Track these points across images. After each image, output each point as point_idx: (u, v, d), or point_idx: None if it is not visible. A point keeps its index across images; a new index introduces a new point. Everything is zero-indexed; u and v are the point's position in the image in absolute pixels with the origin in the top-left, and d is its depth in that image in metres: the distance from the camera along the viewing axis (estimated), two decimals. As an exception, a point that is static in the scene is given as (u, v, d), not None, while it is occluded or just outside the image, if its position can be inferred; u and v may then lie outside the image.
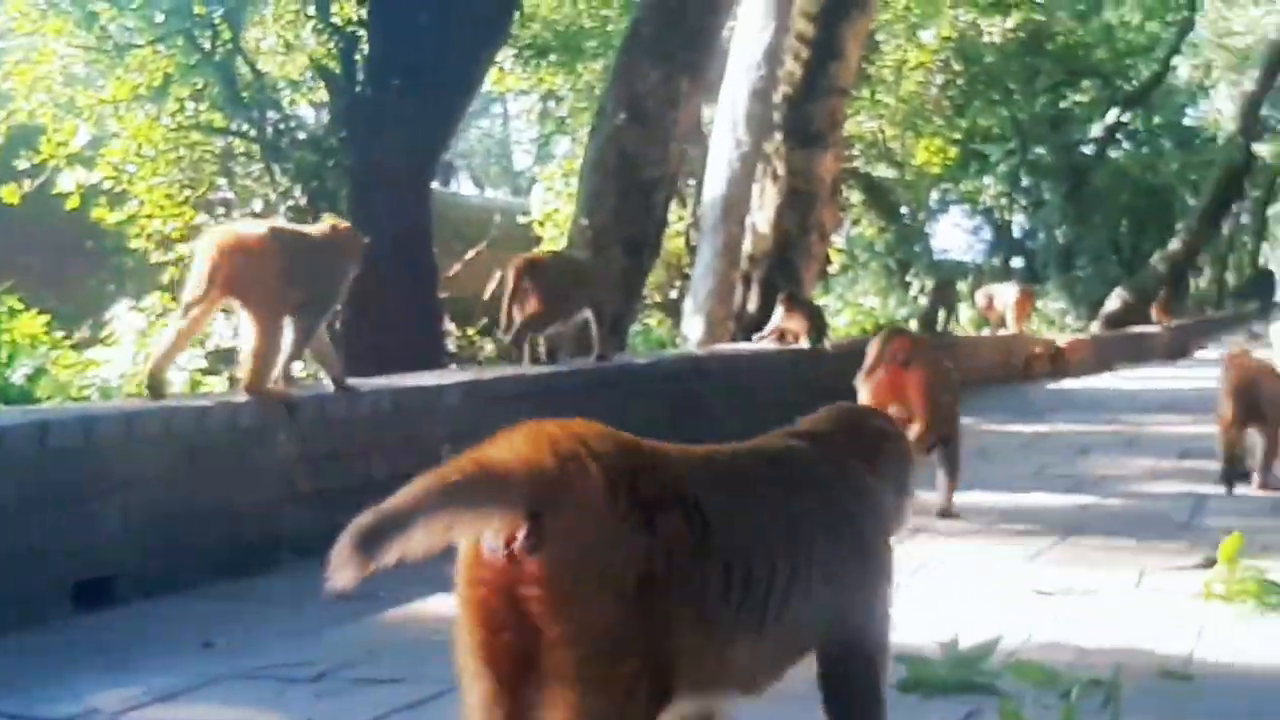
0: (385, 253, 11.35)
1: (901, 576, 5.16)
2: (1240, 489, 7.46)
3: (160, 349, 6.13)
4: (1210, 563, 5.09)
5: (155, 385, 5.92)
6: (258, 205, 15.05)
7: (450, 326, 15.22)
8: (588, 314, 8.82)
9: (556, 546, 2.24)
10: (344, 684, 3.96)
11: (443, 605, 4.90)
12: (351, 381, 6.45)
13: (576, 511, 2.28)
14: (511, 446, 2.37)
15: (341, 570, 2.25)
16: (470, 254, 21.85)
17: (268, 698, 3.87)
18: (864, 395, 6.60)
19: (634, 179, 12.92)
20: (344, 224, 6.59)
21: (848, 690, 2.71)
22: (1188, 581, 5.00)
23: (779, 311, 11.38)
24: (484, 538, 2.32)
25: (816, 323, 11.52)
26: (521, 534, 2.25)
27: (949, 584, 5.08)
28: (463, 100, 13.19)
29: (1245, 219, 56.21)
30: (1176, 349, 27.00)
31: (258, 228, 6.10)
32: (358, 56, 13.22)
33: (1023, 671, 3.69)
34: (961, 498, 7.25)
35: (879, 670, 2.75)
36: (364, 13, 13.08)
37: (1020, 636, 4.22)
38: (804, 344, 11.36)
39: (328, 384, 6.37)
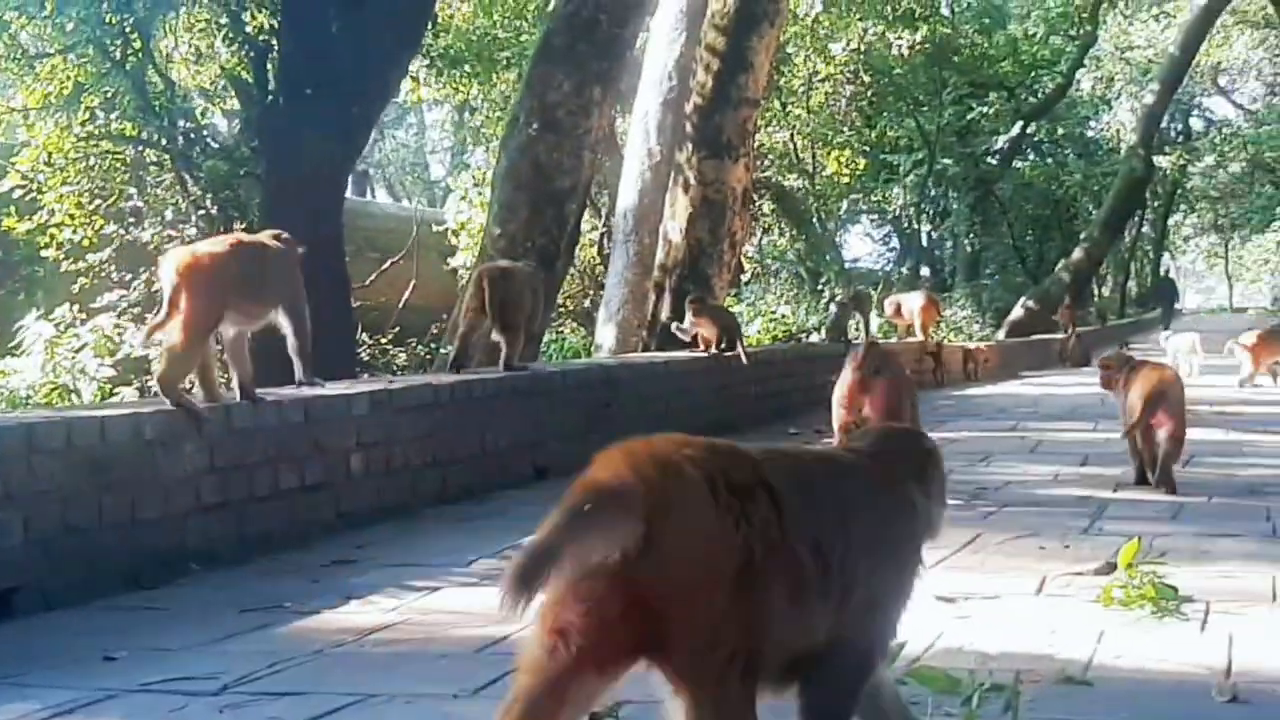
0: (295, 261, 11.31)
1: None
2: (1137, 493, 7.65)
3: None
4: (1110, 568, 5.18)
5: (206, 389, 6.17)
6: (168, 214, 14.95)
7: (363, 336, 15.17)
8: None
9: (672, 542, 2.46)
10: (247, 697, 3.94)
11: (347, 616, 4.92)
12: (260, 391, 6.41)
13: (685, 509, 2.50)
14: (614, 467, 2.56)
15: (511, 609, 2.41)
16: (386, 265, 21.82)
17: (168, 712, 3.83)
18: (837, 397, 7.68)
19: (546, 189, 12.93)
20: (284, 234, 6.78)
21: (836, 681, 2.86)
22: (1088, 587, 5.08)
23: (688, 316, 11.42)
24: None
25: (728, 330, 11.57)
26: (638, 537, 2.46)
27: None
28: (375, 110, 13.15)
29: (1146, 228, 57.12)
30: (1080, 356, 27.34)
31: (217, 244, 6.34)
32: (270, 66, 13.16)
33: (924, 678, 3.73)
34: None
35: (869, 671, 2.92)
36: (276, 22, 13.01)
37: (923, 643, 4.27)
38: (714, 350, 11.41)
39: (234, 393, 6.34)
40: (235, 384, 6.36)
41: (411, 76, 21.04)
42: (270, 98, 12.95)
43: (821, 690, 2.82)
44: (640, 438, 2.64)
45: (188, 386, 6.25)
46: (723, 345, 11.43)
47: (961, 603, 4.90)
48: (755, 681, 2.59)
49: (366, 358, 14.07)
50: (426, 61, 18.87)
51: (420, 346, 15.19)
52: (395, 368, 15.17)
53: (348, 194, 14.54)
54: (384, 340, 15.69)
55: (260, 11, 13.87)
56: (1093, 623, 4.55)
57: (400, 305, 20.13)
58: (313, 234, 11.62)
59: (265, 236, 6.79)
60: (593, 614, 2.50)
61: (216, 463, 5.97)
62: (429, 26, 14.99)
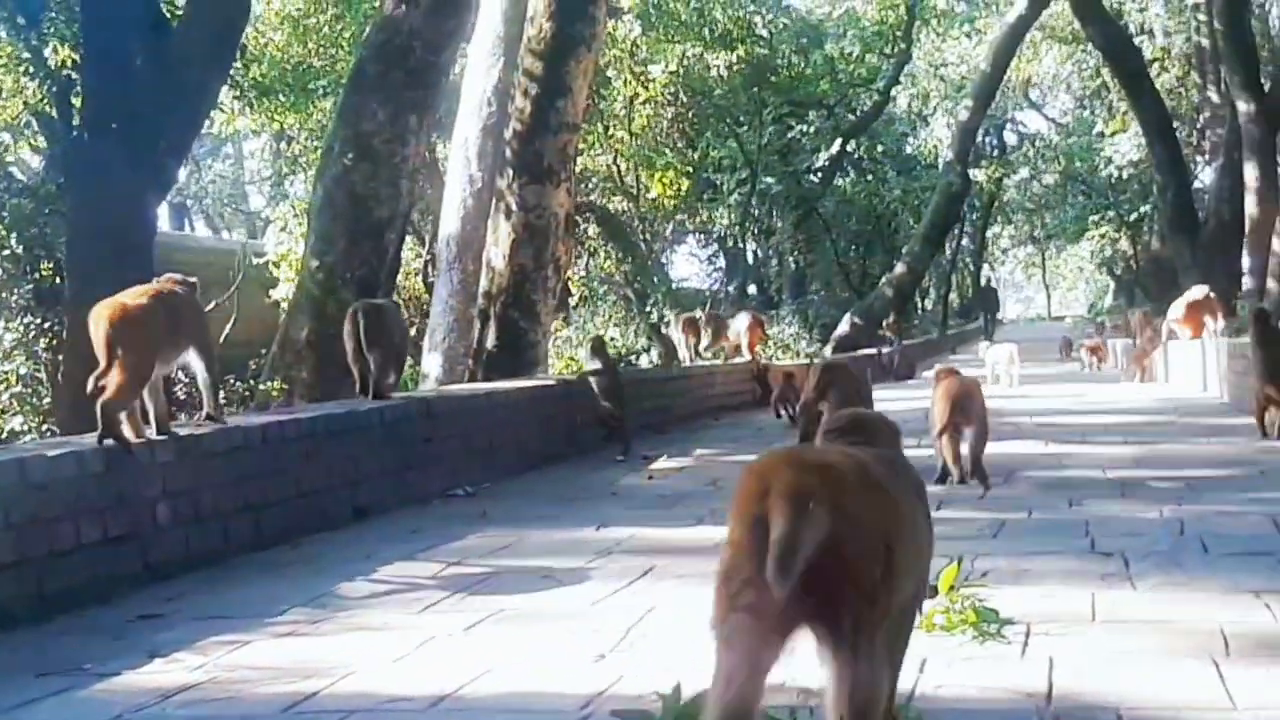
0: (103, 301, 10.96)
1: (630, 620, 5.15)
2: (958, 511, 7.73)
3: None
4: (931, 592, 5.16)
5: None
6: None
7: (179, 374, 14.74)
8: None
9: (848, 528, 3.01)
10: (42, 770, 3.74)
11: (150, 676, 4.71)
12: (56, 441, 6.16)
13: (853, 501, 3.06)
14: (785, 475, 3.05)
15: (782, 590, 2.89)
16: (211, 306, 21.30)
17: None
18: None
19: (364, 219, 12.74)
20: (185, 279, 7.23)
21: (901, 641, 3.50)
22: (909, 612, 5.06)
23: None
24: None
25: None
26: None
27: (678, 628, 5.05)
28: (185, 142, 12.81)
29: (966, 241, 58.32)
30: (904, 369, 27.77)
31: (140, 297, 6.66)
32: (75, 101, 12.78)
33: (743, 720, 3.66)
34: (693, 534, 7.29)
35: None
36: (79, 56, 12.65)
37: (744, 680, 4.20)
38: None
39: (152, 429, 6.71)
40: (153, 420, 6.71)
41: (221, 108, 20.67)
42: (75, 133, 12.56)
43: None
44: (776, 452, 3.25)
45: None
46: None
47: (783, 635, 4.84)
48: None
49: (183, 397, 13.65)
50: (237, 92, 18.51)
51: (241, 384, 14.80)
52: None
53: (165, 227, 14.19)
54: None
55: (63, 45, 13.47)
56: (914, 650, 4.50)
57: (220, 341, 19.68)
58: (121, 272, 11.27)
59: (169, 283, 7.11)
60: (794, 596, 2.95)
61: (12, 518, 5.69)
62: (238, 56, 14.68)
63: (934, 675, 4.24)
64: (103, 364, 6.28)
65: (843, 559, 3.03)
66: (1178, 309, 20.37)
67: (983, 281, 61.80)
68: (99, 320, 6.38)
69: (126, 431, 6.43)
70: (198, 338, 7.05)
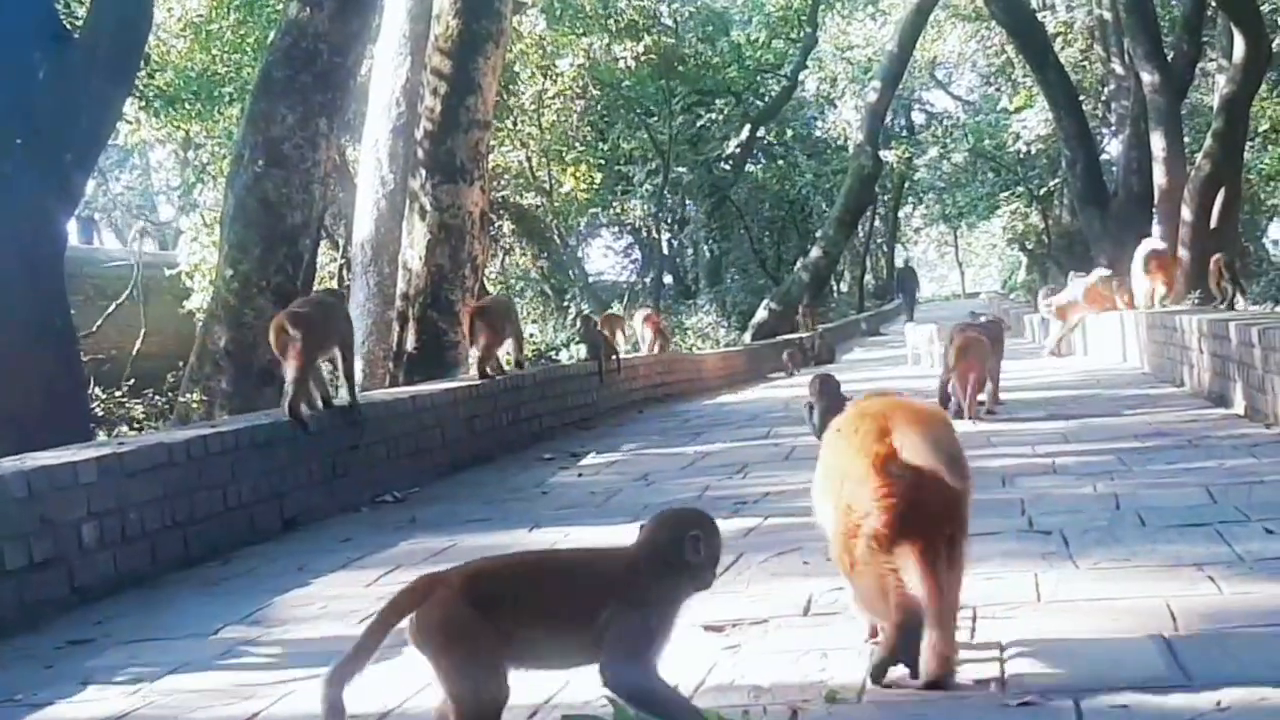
0: (17, 319, 10.73)
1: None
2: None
3: None
4: (875, 580, 5.13)
5: None
6: None
7: (96, 390, 14.51)
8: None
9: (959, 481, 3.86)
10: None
11: (83, 705, 4.58)
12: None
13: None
14: (888, 420, 3.98)
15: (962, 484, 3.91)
16: (110, 309, 21.02)
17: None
18: None
19: (278, 225, 12.58)
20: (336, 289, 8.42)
21: None
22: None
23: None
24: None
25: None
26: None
27: (621, 627, 4.98)
28: (91, 155, 12.55)
29: (879, 223, 58.68)
30: (824, 353, 27.84)
31: (305, 306, 8.92)
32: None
33: (698, 721, 3.61)
34: (627, 530, 7.21)
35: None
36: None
37: (695, 679, 4.15)
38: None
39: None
40: (318, 400, 8.85)
41: (127, 118, 20.34)
42: (-24, 150, 12.28)
43: None
44: (864, 409, 4.20)
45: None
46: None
47: (730, 631, 4.80)
48: None
49: (101, 413, 13.42)
50: (143, 102, 18.21)
51: (158, 396, 14.59)
52: (133, 421, 14.54)
53: (74, 241, 13.91)
54: (119, 393, 15.03)
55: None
56: (863, 638, 4.47)
57: (134, 354, 19.44)
58: (32, 288, 11.08)
59: (323, 293, 10.04)
60: (938, 519, 3.90)
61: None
62: (142, 65, 14.43)
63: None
64: (285, 356, 8.36)
65: (957, 500, 3.94)
66: (1075, 292, 20.84)
67: (900, 263, 62.18)
68: (277, 326, 8.38)
69: (305, 410, 8.45)
70: (344, 339, 9.02)
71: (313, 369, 8.64)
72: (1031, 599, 4.96)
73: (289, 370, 8.44)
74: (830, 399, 9.45)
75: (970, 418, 11.25)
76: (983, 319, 14.67)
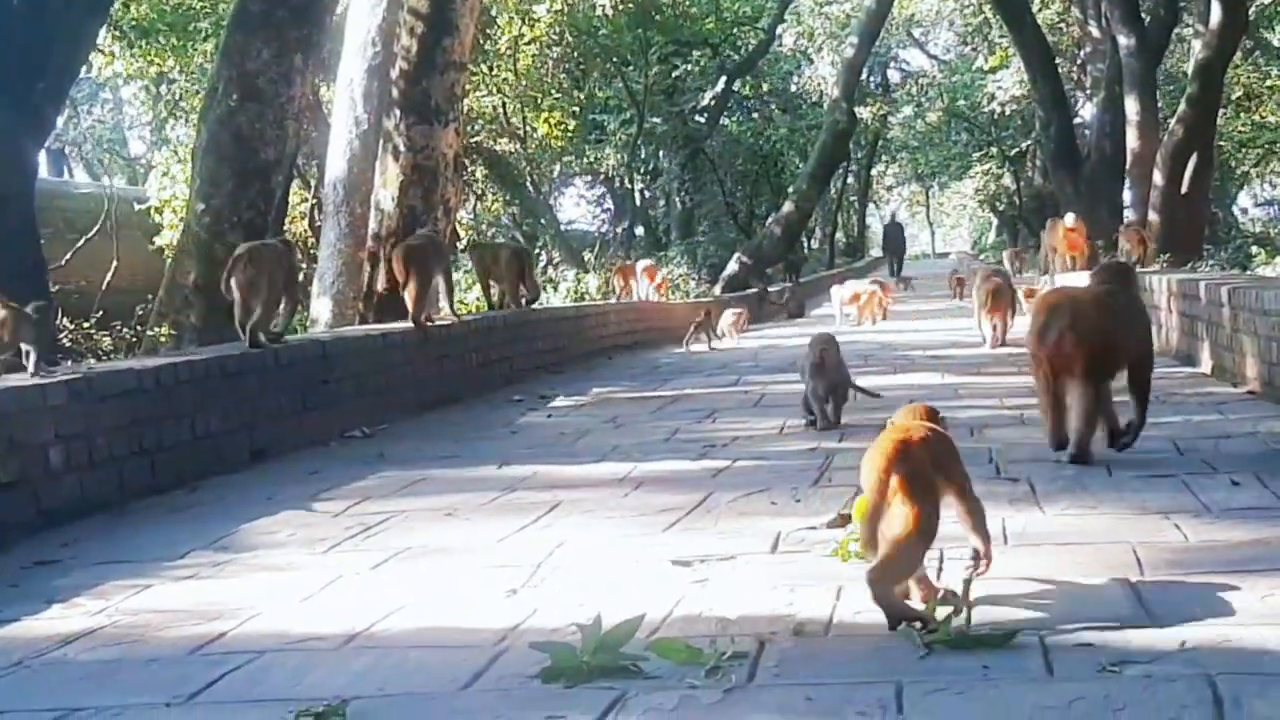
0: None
1: (539, 555, 5.10)
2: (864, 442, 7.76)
3: None
4: (844, 520, 5.14)
5: None
6: None
7: (65, 321, 14.40)
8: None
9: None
10: (-62, 722, 3.61)
11: (50, 622, 4.57)
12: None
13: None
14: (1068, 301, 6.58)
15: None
16: (80, 243, 20.88)
17: None
18: None
19: (250, 161, 12.52)
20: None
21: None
22: (823, 541, 5.03)
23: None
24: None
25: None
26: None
27: (588, 562, 5.00)
28: (64, 86, 12.44)
29: (851, 180, 58.64)
30: (795, 308, 27.90)
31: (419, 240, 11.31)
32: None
33: (665, 649, 3.62)
34: (596, 469, 7.25)
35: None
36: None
37: (662, 611, 4.16)
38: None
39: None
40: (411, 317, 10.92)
41: (100, 50, 20.15)
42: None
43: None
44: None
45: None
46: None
47: (697, 566, 4.80)
48: None
49: (69, 343, 13.34)
50: (116, 33, 18.02)
51: (126, 329, 14.50)
52: (101, 353, 14.45)
53: (44, 174, 13.78)
54: (87, 325, 14.93)
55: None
56: (831, 578, 4.49)
57: (103, 287, 19.33)
58: (3, 219, 11.00)
59: (427, 231, 12.14)
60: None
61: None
62: (115, -3, 14.30)
63: (852, 602, 4.20)
64: (402, 280, 10.80)
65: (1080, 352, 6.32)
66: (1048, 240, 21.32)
67: (885, 218, 61.76)
68: (397, 255, 11.03)
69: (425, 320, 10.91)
70: (445, 267, 11.50)
71: (427, 289, 11.05)
72: (999, 540, 4.96)
73: (410, 290, 10.76)
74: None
75: (995, 346, 14.05)
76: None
